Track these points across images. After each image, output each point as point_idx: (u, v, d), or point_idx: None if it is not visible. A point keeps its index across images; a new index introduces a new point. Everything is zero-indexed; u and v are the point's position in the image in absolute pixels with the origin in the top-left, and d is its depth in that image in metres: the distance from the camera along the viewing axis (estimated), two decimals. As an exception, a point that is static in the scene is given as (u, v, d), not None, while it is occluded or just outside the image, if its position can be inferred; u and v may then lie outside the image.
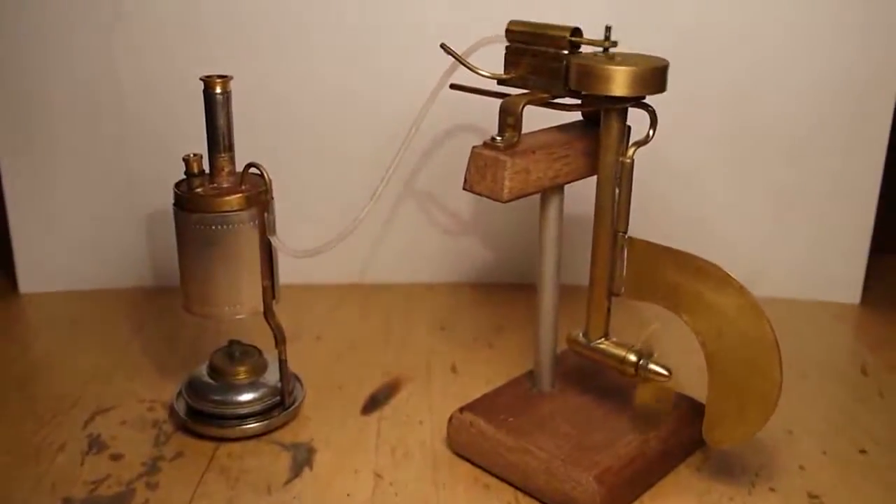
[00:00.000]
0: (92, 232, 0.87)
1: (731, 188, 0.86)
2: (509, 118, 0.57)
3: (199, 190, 0.62)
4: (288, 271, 0.71)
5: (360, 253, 0.91)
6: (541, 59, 0.60)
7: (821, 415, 0.70)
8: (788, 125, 0.84)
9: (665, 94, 0.81)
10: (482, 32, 0.63)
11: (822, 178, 0.85)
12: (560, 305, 0.65)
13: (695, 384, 0.64)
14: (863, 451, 0.65)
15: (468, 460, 0.63)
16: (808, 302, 0.89)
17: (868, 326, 0.85)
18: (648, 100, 0.57)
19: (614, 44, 0.57)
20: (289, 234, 0.73)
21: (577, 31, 0.59)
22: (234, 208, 0.62)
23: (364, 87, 0.84)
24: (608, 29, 0.57)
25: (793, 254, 0.88)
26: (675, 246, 0.83)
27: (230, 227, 0.62)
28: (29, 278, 0.88)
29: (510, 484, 0.61)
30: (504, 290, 0.91)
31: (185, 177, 0.63)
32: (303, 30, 0.83)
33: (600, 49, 0.57)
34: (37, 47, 0.81)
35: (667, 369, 0.59)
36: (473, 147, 0.57)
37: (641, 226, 0.86)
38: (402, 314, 0.86)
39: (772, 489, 0.61)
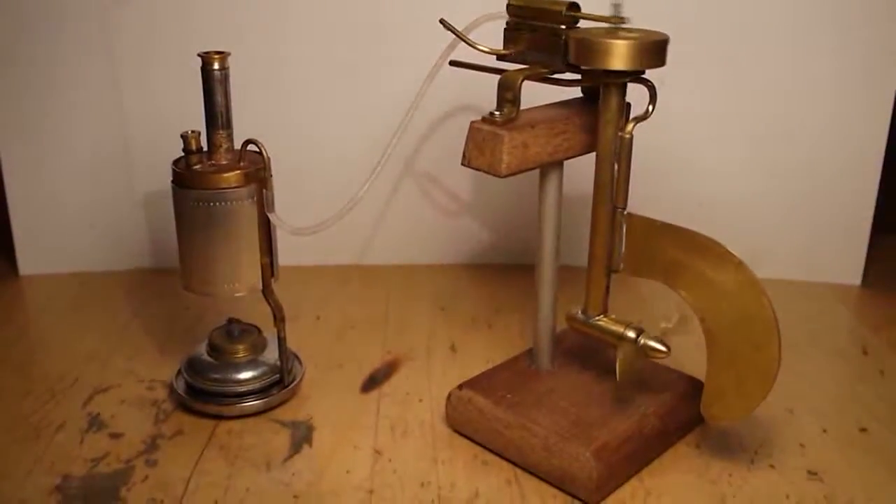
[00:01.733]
0: (91, 214, 0.87)
1: (732, 169, 0.86)
2: (507, 93, 0.57)
3: (197, 167, 0.62)
4: (288, 252, 0.71)
5: (360, 234, 0.90)
6: (540, 34, 0.60)
7: (822, 393, 0.70)
8: (790, 105, 0.83)
9: (667, 75, 0.81)
10: (483, 9, 0.62)
11: (824, 158, 0.85)
12: (559, 285, 0.64)
13: (695, 362, 0.64)
14: (863, 430, 0.65)
15: (467, 437, 0.63)
16: (810, 283, 0.89)
17: (869, 307, 0.85)
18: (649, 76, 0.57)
19: (623, 20, 0.57)
20: (288, 213, 0.73)
21: (574, 6, 0.58)
22: (233, 185, 0.62)
23: (364, 65, 0.84)
24: (617, 6, 0.57)
25: (794, 235, 0.87)
26: (685, 219, 0.83)
27: (229, 204, 0.62)
28: (29, 260, 0.88)
29: (508, 460, 0.61)
30: (503, 271, 0.91)
31: (183, 154, 0.63)
32: (303, 6, 0.82)
33: (599, 24, 0.57)
34: (33, 27, 0.81)
35: (665, 345, 0.59)
36: (472, 122, 0.57)
37: (643, 205, 0.86)
38: (402, 294, 0.86)
39: (771, 466, 0.61)
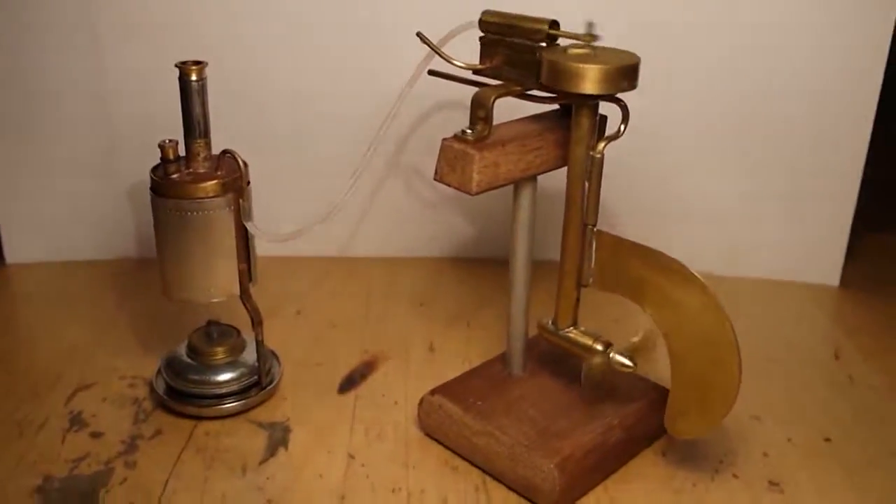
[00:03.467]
0: (78, 202, 0.88)
1: (709, 166, 0.86)
2: (480, 111, 0.57)
3: (174, 176, 0.63)
4: (271, 244, 0.72)
5: (345, 226, 0.91)
6: (515, 50, 0.60)
7: (789, 400, 0.71)
8: (769, 103, 0.83)
9: (646, 75, 0.81)
10: (465, 17, 0.62)
11: (803, 155, 0.85)
12: (538, 281, 0.65)
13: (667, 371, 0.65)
14: (827, 440, 0.67)
15: (438, 442, 0.65)
16: (786, 283, 0.90)
17: (845, 309, 0.86)
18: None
19: (595, 38, 0.57)
20: (272, 212, 0.74)
21: (554, 24, 0.59)
22: (210, 194, 0.63)
23: (347, 67, 0.84)
24: (590, 24, 0.57)
25: (772, 233, 0.88)
26: (655, 223, 0.84)
27: (206, 213, 0.63)
28: (15, 248, 0.89)
29: (477, 467, 0.62)
30: (487, 265, 0.92)
31: (160, 162, 0.64)
32: (287, 10, 0.82)
33: (575, 42, 0.57)
34: (18, 22, 0.81)
35: (632, 360, 0.60)
36: (443, 139, 0.58)
37: (621, 205, 0.87)
38: (384, 289, 0.87)
39: (734, 475, 0.63)
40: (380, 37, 0.83)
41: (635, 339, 0.61)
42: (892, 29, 0.79)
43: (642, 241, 0.86)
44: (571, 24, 0.58)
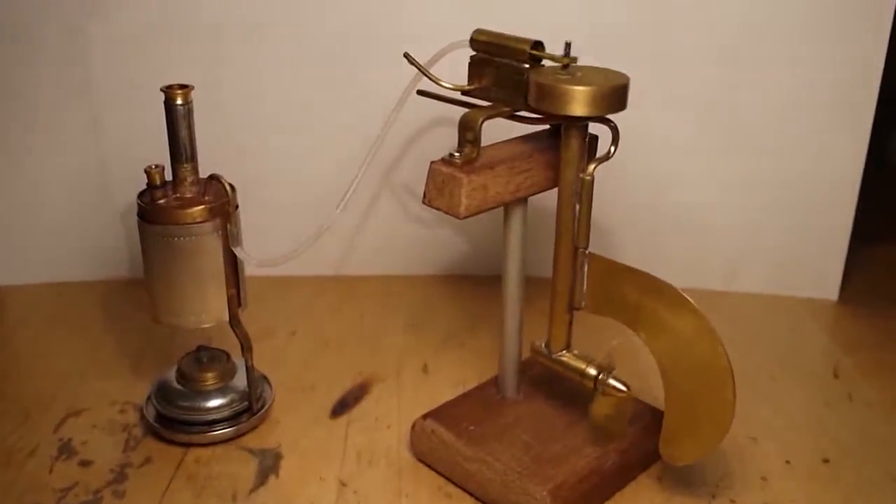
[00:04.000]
0: (69, 223, 0.88)
1: (708, 180, 0.86)
2: (468, 133, 0.57)
3: (161, 201, 0.62)
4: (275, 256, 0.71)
5: (339, 245, 0.91)
6: (504, 71, 0.59)
7: (787, 420, 0.70)
8: (767, 117, 0.83)
9: (645, 88, 0.80)
10: (455, 36, 0.62)
11: (802, 170, 0.84)
12: (535, 299, 0.64)
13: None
14: (826, 461, 0.66)
15: (430, 468, 0.64)
16: (785, 297, 0.89)
17: (844, 325, 0.85)
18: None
19: (574, 59, 0.56)
20: (263, 232, 0.73)
21: (538, 45, 0.58)
22: (197, 220, 0.62)
23: (337, 89, 0.84)
24: (568, 45, 0.56)
25: (770, 248, 0.87)
26: (652, 238, 0.83)
27: (193, 238, 0.62)
28: (6, 270, 0.89)
29: (470, 494, 0.61)
30: (482, 283, 0.91)
31: (146, 187, 0.63)
32: (279, 27, 0.82)
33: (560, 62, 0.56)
34: (4, 42, 0.80)
35: (625, 385, 0.59)
36: (432, 162, 0.57)
37: (618, 220, 0.86)
38: (378, 309, 0.86)
39: (732, 501, 0.61)
40: (373, 54, 0.82)
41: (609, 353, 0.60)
42: (887, 38, 0.78)
43: (640, 256, 0.87)
44: (573, 42, 0.57)
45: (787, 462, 0.65)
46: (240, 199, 0.64)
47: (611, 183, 0.84)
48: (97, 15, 0.80)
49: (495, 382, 0.68)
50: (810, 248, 0.86)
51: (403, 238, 0.90)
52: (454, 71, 0.62)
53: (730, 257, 0.88)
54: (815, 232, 0.85)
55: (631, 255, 0.88)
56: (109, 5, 0.80)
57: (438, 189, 0.57)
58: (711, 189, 0.86)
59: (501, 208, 0.60)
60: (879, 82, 0.80)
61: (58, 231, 0.88)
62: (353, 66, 0.83)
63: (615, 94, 0.55)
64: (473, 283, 0.91)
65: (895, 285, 0.92)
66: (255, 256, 0.64)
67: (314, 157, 0.86)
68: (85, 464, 0.64)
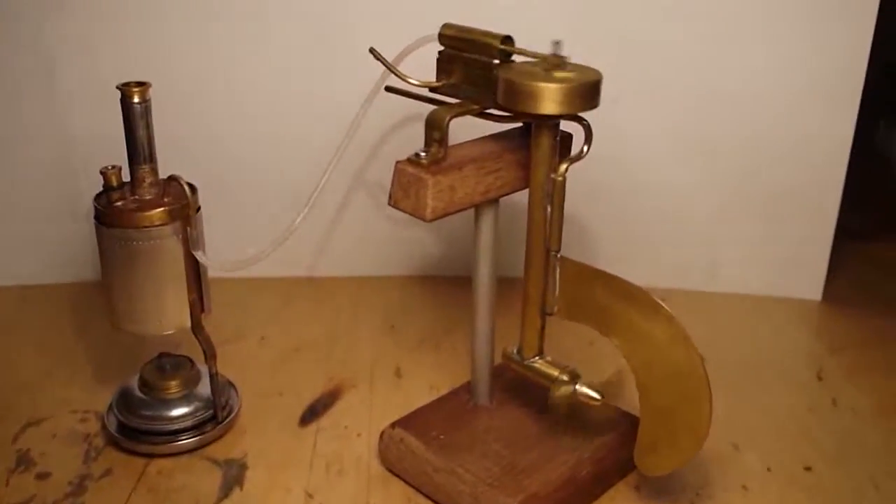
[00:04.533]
0: (33, 225, 0.85)
1: (689, 179, 0.84)
2: (434, 132, 0.54)
3: (118, 204, 0.60)
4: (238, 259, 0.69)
5: (311, 245, 0.88)
6: (473, 67, 0.57)
7: (770, 426, 0.68)
8: (749, 115, 0.81)
9: (625, 86, 0.79)
10: (426, 30, 0.59)
11: (783, 168, 0.82)
12: (512, 300, 0.62)
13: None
14: (808, 469, 0.64)
15: (400, 478, 0.62)
16: (768, 298, 0.87)
17: (829, 325, 0.83)
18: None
19: (562, 58, 0.54)
20: (232, 234, 0.71)
21: (507, 40, 0.56)
22: (156, 223, 0.59)
23: (304, 86, 0.81)
24: (556, 44, 0.54)
25: (753, 248, 0.85)
26: (635, 239, 0.81)
27: (152, 242, 0.60)
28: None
29: (439, 504, 0.60)
30: (458, 284, 0.88)
31: (102, 190, 0.60)
32: (245, 24, 0.79)
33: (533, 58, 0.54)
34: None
35: (599, 393, 0.57)
36: (397, 162, 0.55)
37: (599, 222, 0.84)
38: (351, 311, 0.84)
39: (712, 510, 0.60)
40: (339, 49, 0.80)
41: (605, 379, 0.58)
42: (870, 39, 0.76)
43: (621, 256, 0.85)
44: (547, 38, 0.55)
45: (769, 469, 0.64)
46: (205, 200, 0.62)
47: (591, 182, 0.82)
48: (62, 10, 0.77)
49: (467, 389, 0.66)
50: (794, 247, 0.84)
51: (377, 238, 0.88)
52: (429, 65, 0.60)
53: (712, 257, 0.86)
54: (799, 230, 0.84)
55: (612, 254, 0.86)
56: (73, 3, 0.77)
57: (404, 190, 0.55)
58: (693, 188, 0.84)
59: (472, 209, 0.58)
60: (864, 77, 0.78)
61: (22, 234, 0.85)
62: (323, 61, 0.81)
63: (587, 92, 0.53)
64: (449, 284, 0.89)
65: (880, 283, 0.91)
66: (219, 259, 0.62)
67: (283, 156, 0.84)
68: (42, 476, 0.62)
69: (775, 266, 0.85)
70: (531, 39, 0.56)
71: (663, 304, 0.53)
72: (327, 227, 0.87)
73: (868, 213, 1.01)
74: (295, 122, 0.83)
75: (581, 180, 0.80)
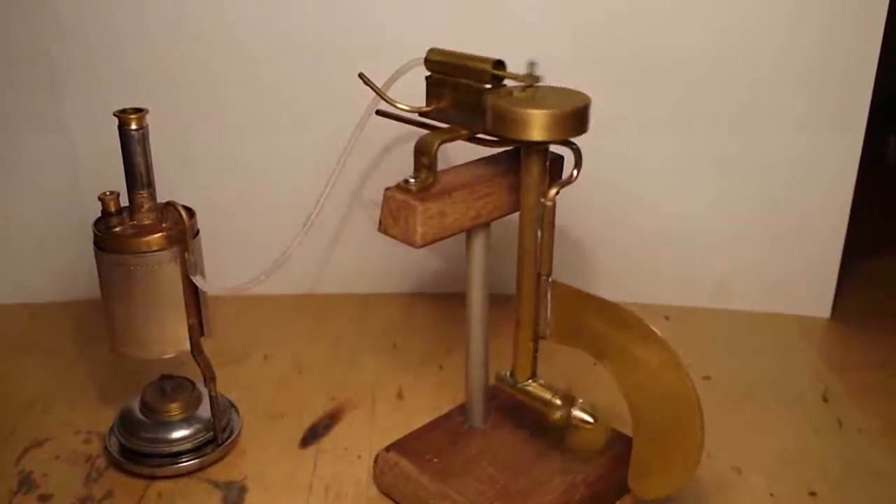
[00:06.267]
0: (43, 244, 0.86)
1: (696, 196, 0.83)
2: (423, 158, 0.55)
3: (117, 229, 0.61)
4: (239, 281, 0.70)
5: (313, 263, 0.89)
6: (461, 92, 0.57)
7: (773, 448, 0.68)
8: (757, 133, 0.80)
9: (634, 102, 0.78)
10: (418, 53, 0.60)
11: (792, 184, 0.81)
12: (506, 317, 0.62)
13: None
14: (812, 494, 0.63)
15: (396, 502, 0.62)
16: (776, 315, 0.86)
17: (836, 344, 0.82)
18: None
19: (536, 79, 0.54)
20: (232, 255, 0.72)
21: (499, 64, 0.56)
22: (154, 248, 0.60)
23: (302, 105, 0.82)
24: (531, 65, 0.54)
25: (761, 264, 0.84)
26: (642, 255, 0.79)
27: (151, 267, 0.60)
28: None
29: (435, 530, 0.59)
30: (459, 301, 0.87)
31: (101, 216, 0.61)
32: (242, 50, 0.80)
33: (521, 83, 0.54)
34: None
35: (592, 416, 0.57)
36: (386, 189, 0.55)
37: (607, 240, 0.84)
38: (354, 329, 0.84)
39: (711, 536, 0.59)
40: (339, 72, 0.80)
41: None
42: (879, 42, 0.75)
43: (627, 273, 0.85)
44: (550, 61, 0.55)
45: (772, 495, 0.63)
46: (205, 223, 0.63)
47: (597, 201, 0.82)
48: (66, 38, 0.79)
49: (461, 411, 0.66)
50: (802, 264, 0.83)
51: (378, 255, 0.88)
52: (421, 90, 0.60)
53: (719, 274, 0.85)
54: (807, 247, 0.83)
55: (617, 272, 0.86)
56: (77, 28, 0.79)
57: (394, 217, 0.55)
58: (700, 204, 0.83)
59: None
60: (870, 96, 0.76)
61: (31, 252, 0.87)
62: (320, 85, 0.81)
63: (575, 117, 0.52)
64: (452, 300, 0.89)
65: (889, 301, 0.89)
66: (218, 282, 0.62)
67: (283, 178, 0.85)
68: (45, 498, 0.63)
69: (783, 283, 0.84)
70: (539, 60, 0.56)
71: (656, 331, 0.52)
72: (329, 244, 0.87)
73: (877, 230, 1.00)
74: (292, 144, 0.83)
75: (587, 197, 0.80)
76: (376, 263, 0.89)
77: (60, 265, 0.87)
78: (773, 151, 0.80)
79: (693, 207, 0.83)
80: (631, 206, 0.84)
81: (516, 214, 0.58)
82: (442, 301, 0.89)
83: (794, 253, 0.83)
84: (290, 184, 0.84)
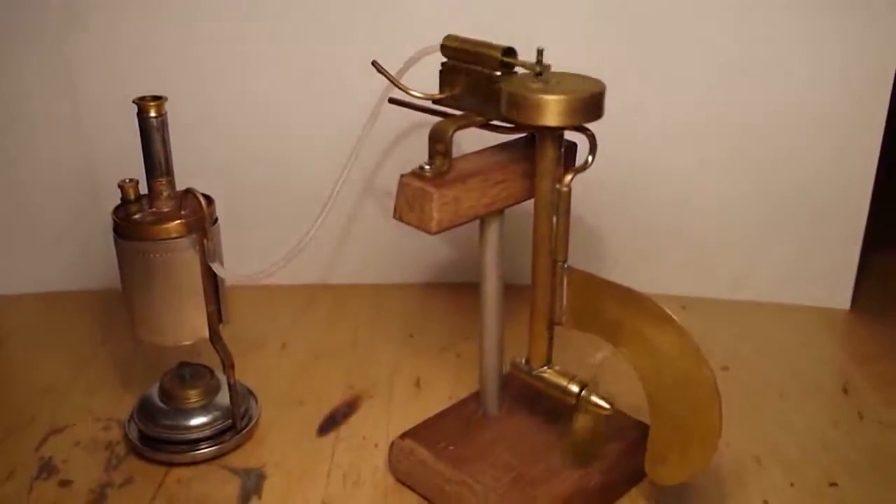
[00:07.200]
0: (61, 233, 0.87)
1: (715, 187, 0.83)
2: (438, 145, 0.55)
3: (136, 216, 0.61)
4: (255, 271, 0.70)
5: (327, 253, 0.89)
6: (476, 79, 0.57)
7: (793, 439, 0.67)
8: (778, 124, 0.79)
9: (650, 95, 0.78)
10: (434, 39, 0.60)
11: (812, 174, 0.81)
12: (520, 307, 0.62)
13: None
14: (833, 484, 0.62)
15: (412, 489, 0.62)
16: (795, 307, 0.85)
17: (856, 335, 0.81)
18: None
19: (546, 67, 0.54)
20: (245, 243, 0.72)
21: (510, 52, 0.56)
22: (173, 235, 0.61)
23: (316, 94, 0.82)
24: (540, 52, 0.54)
25: (778, 254, 0.84)
26: (661, 246, 0.78)
27: (170, 254, 0.61)
28: (-2, 281, 0.88)
29: (452, 516, 0.59)
30: (474, 290, 0.88)
31: (120, 203, 0.62)
32: (258, 35, 0.80)
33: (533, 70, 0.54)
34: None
35: (608, 402, 0.56)
36: (401, 176, 0.55)
37: (622, 226, 0.83)
38: (371, 319, 0.85)
39: (730, 525, 0.59)
40: (354, 59, 0.80)
41: (593, 361, 0.57)
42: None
43: (645, 264, 0.84)
44: (565, 48, 0.54)
45: (792, 485, 0.62)
46: (221, 211, 0.63)
47: (615, 189, 0.81)
48: (81, 24, 0.79)
49: (476, 398, 0.66)
50: (821, 255, 0.83)
51: (390, 246, 0.88)
52: (433, 78, 0.60)
53: (738, 264, 0.85)
54: (827, 238, 0.82)
55: (634, 261, 0.85)
56: (92, 16, 0.79)
57: (409, 204, 0.55)
58: (719, 196, 0.83)
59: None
60: (892, 81, 0.76)
61: (49, 241, 0.87)
62: (335, 72, 0.81)
63: (590, 103, 0.52)
64: (467, 291, 0.88)
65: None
66: (235, 270, 0.62)
67: (295, 167, 0.85)
68: (65, 484, 0.63)
69: (802, 274, 0.84)
70: (560, 49, 0.56)
71: (673, 316, 0.52)
72: (341, 235, 0.88)
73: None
74: (306, 133, 0.84)
75: (605, 187, 0.80)
76: (389, 254, 0.89)
77: (79, 255, 0.88)
78: (793, 142, 0.80)
79: (711, 199, 0.83)
80: (647, 195, 0.83)
81: (530, 202, 0.58)
82: (457, 290, 0.89)
83: (814, 242, 0.82)
84: (304, 174, 0.84)
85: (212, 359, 0.67)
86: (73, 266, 0.89)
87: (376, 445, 0.67)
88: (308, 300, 0.88)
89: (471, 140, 0.60)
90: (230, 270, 0.63)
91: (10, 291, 0.89)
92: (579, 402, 0.57)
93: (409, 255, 0.89)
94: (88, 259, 0.88)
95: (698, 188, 0.83)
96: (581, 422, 0.57)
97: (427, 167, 0.55)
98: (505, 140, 0.60)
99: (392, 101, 0.61)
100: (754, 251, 0.84)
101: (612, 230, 0.85)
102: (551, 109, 0.52)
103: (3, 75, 0.81)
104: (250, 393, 0.71)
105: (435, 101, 0.59)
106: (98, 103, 0.82)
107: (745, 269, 0.85)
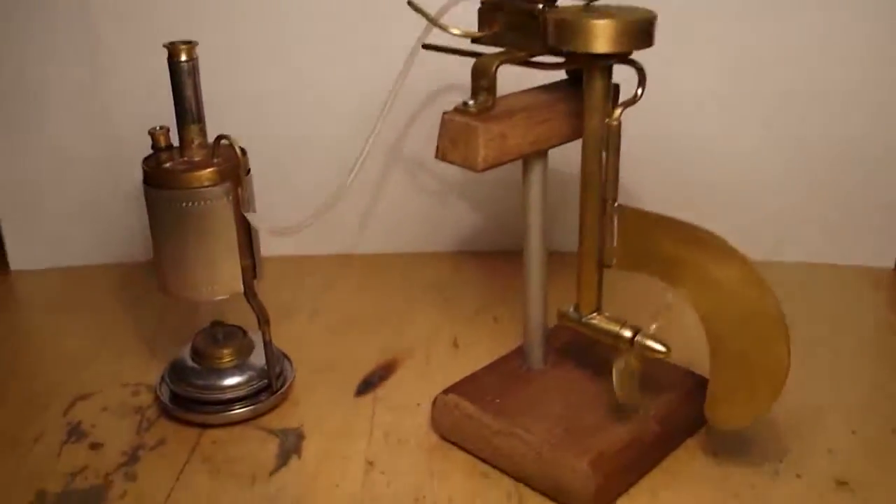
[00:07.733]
0: (82, 206, 0.85)
1: (750, 144, 0.80)
2: (482, 80, 0.53)
3: (167, 165, 0.59)
4: (280, 242, 0.67)
5: (354, 223, 0.87)
6: (516, 14, 0.55)
7: (850, 391, 0.65)
8: (813, 71, 0.77)
9: (691, 50, 0.76)
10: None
11: (852, 128, 0.78)
12: (560, 273, 0.60)
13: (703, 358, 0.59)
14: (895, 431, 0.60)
15: (457, 445, 0.60)
16: (839, 266, 0.83)
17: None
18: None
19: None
20: (275, 206, 0.70)
21: (554, -17, 0.54)
22: (206, 183, 0.58)
23: (343, 54, 0.80)
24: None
25: (821, 214, 0.82)
26: (700, 205, 0.76)
27: (203, 203, 0.59)
28: (19, 255, 0.87)
29: (501, 470, 0.57)
30: (508, 258, 0.86)
31: (152, 151, 0.60)
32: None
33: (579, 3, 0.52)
34: (10, 21, 0.78)
35: (664, 345, 0.54)
36: (444, 113, 0.53)
37: (656, 186, 0.81)
38: (402, 286, 0.82)
39: (798, 475, 0.56)
40: (383, 17, 0.78)
41: (656, 325, 0.55)
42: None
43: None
44: None
45: (854, 433, 0.60)
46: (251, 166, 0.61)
47: (648, 146, 0.79)
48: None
49: (519, 354, 0.63)
50: (866, 214, 0.80)
51: (419, 215, 0.86)
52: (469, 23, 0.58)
53: (779, 224, 0.82)
54: (871, 196, 0.80)
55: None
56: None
57: (452, 141, 0.53)
58: (760, 153, 0.80)
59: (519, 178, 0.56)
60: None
61: (71, 215, 0.85)
62: (365, 29, 0.79)
63: (641, 29, 0.50)
64: (499, 258, 0.86)
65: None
66: (270, 224, 0.60)
67: (322, 130, 0.83)
68: (95, 447, 0.61)
69: (846, 234, 0.82)
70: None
71: (734, 246, 0.50)
72: (369, 203, 0.86)
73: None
74: (337, 89, 0.82)
75: (635, 145, 0.78)
76: (417, 223, 0.87)
77: (101, 228, 0.86)
78: (836, 98, 0.77)
79: (752, 156, 0.81)
80: (681, 153, 0.81)
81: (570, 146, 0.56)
82: (486, 258, 0.87)
83: (858, 200, 0.80)
84: (330, 139, 0.82)
85: (243, 320, 0.65)
86: (96, 240, 0.87)
87: (418, 405, 0.65)
88: (337, 270, 0.86)
89: (507, 86, 0.58)
90: (266, 221, 0.60)
91: (34, 266, 0.87)
92: (633, 347, 0.55)
93: (438, 223, 0.87)
94: (111, 233, 0.87)
95: (738, 146, 0.80)
96: (626, 364, 0.55)
97: (471, 103, 0.52)
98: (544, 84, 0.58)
99: (426, 46, 0.59)
100: (795, 210, 0.82)
101: (640, 191, 0.82)
102: (602, 34, 0.50)
103: (27, 41, 0.79)
104: (284, 355, 0.68)
105: (474, 40, 0.57)
106: (125, 74, 0.80)
107: (786, 229, 0.82)
